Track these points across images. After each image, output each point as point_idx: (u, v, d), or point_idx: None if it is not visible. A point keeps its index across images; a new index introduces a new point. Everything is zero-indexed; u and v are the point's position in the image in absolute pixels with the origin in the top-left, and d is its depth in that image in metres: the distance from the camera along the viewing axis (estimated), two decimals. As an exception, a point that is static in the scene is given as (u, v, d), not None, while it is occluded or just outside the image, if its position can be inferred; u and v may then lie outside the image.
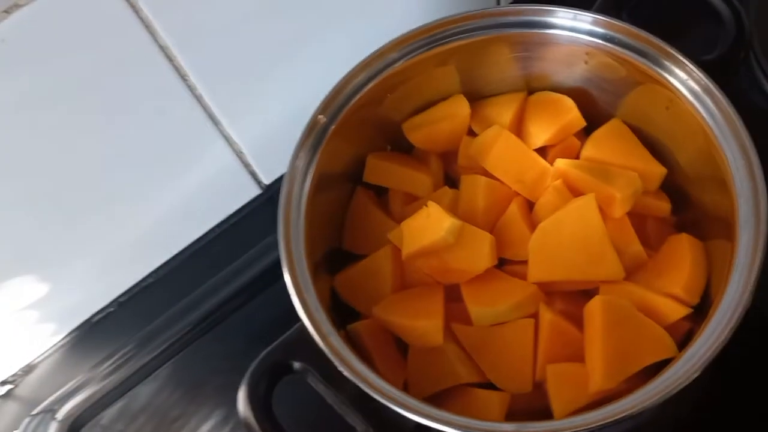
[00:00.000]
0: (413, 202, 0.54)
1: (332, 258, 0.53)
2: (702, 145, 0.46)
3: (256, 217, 0.65)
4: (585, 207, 0.47)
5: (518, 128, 0.54)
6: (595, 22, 0.48)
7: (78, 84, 0.48)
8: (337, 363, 0.41)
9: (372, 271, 0.50)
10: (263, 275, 0.61)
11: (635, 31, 0.47)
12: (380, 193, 0.56)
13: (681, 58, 0.45)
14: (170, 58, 0.51)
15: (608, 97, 0.53)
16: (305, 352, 0.42)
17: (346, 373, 0.40)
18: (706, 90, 0.45)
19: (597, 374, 0.43)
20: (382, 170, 0.54)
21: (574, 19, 0.48)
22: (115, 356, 0.61)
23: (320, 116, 0.48)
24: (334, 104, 0.49)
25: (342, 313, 0.51)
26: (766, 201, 0.41)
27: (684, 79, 0.46)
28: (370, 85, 0.50)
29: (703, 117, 0.45)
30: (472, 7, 0.50)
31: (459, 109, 0.54)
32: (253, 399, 0.41)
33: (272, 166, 0.64)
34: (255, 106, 0.60)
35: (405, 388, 0.49)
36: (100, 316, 0.64)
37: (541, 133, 0.53)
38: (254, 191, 0.65)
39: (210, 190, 0.62)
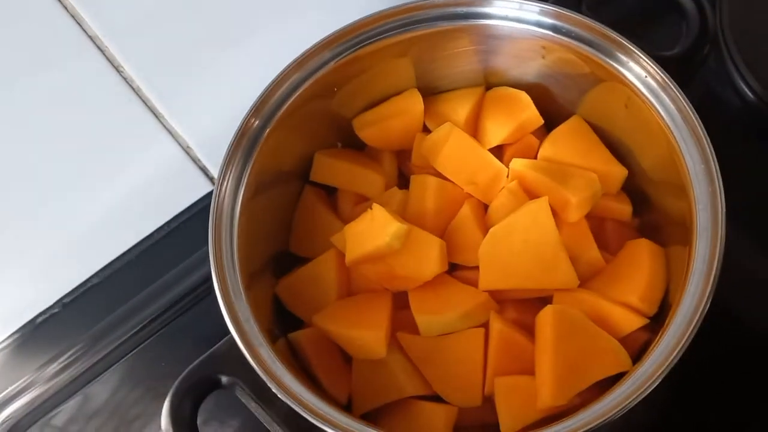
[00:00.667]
0: (364, 202, 0.51)
1: (280, 261, 0.51)
2: (663, 146, 0.44)
3: (208, 214, 0.62)
4: (538, 211, 0.44)
5: (474, 125, 0.52)
6: (545, 13, 0.45)
7: (6, 79, 0.46)
8: (264, 377, 0.38)
9: (315, 277, 0.48)
10: None
11: (589, 24, 0.44)
12: (331, 191, 0.53)
13: (638, 52, 0.43)
14: (101, 49, 0.48)
15: (568, 94, 0.51)
16: (234, 365, 0.40)
17: (273, 388, 0.38)
18: (663, 87, 0.42)
19: (546, 390, 0.41)
20: (330, 168, 0.51)
21: (520, 9, 0.45)
22: (60, 358, 0.59)
23: (252, 119, 0.45)
24: (269, 105, 0.46)
25: (286, 321, 0.48)
26: (724, 207, 0.38)
27: (641, 76, 0.43)
28: (322, 71, 0.47)
29: (661, 116, 0.43)
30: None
31: (412, 104, 0.51)
32: (176, 418, 0.38)
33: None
34: (202, 97, 0.57)
35: (349, 400, 0.46)
36: (43, 317, 0.61)
37: (497, 131, 0.50)
38: (206, 187, 0.62)
39: (157, 186, 0.59)
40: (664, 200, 0.47)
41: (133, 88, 0.52)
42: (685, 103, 0.41)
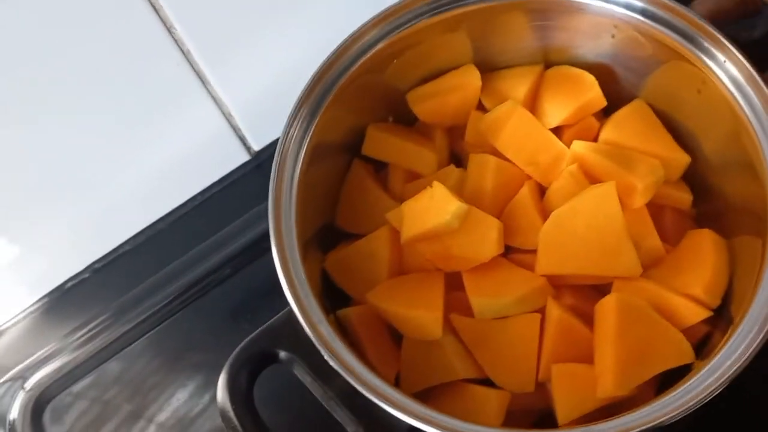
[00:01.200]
0: (414, 180, 0.50)
1: (325, 235, 0.49)
2: (731, 131, 0.42)
3: (244, 186, 0.61)
4: (604, 196, 0.43)
5: (532, 105, 0.50)
6: None
7: (57, 32, 0.44)
8: (325, 354, 0.37)
9: (367, 254, 0.46)
10: (250, 247, 0.58)
11: (673, 5, 0.42)
12: (380, 167, 0.52)
13: (722, 38, 0.41)
14: (155, 8, 0.46)
15: (633, 77, 0.49)
16: (292, 340, 0.39)
17: (334, 365, 0.37)
18: (748, 78, 0.41)
19: (607, 379, 0.40)
20: (382, 143, 0.50)
21: None
22: (88, 326, 0.59)
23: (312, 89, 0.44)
24: (336, 67, 0.44)
25: (332, 296, 0.47)
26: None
27: (722, 62, 0.41)
28: (378, 47, 0.46)
29: (741, 106, 0.41)
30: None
31: (469, 80, 0.50)
32: (233, 390, 0.37)
33: (263, 132, 0.60)
34: (248, 65, 0.55)
35: (397, 381, 0.45)
36: (73, 282, 0.61)
37: (557, 111, 0.49)
38: (243, 157, 0.61)
39: (195, 154, 0.58)
40: (728, 187, 0.46)
41: (183, 51, 0.50)
42: (762, 85, 0.40)
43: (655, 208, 0.48)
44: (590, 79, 0.48)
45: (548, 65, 0.51)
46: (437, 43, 0.49)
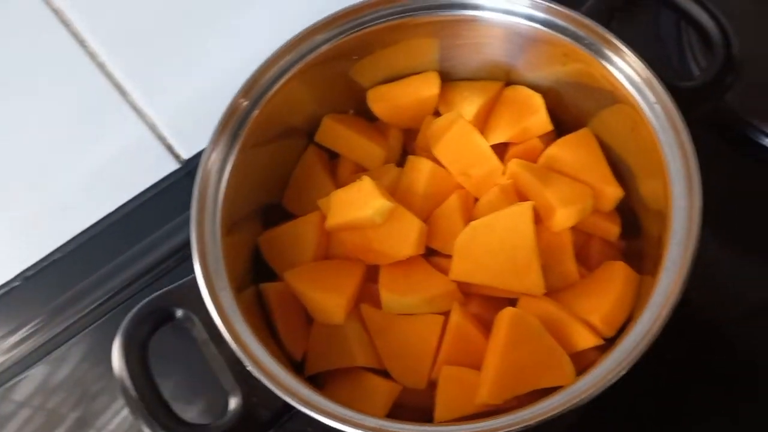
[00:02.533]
0: (362, 172, 0.52)
1: (275, 213, 0.52)
2: (659, 175, 0.43)
3: (174, 193, 0.62)
4: (520, 214, 0.44)
5: (485, 119, 0.52)
6: (537, 6, 0.45)
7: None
8: (215, 317, 0.40)
9: (296, 235, 0.49)
10: (180, 249, 0.59)
11: (583, 21, 0.45)
12: (334, 156, 0.54)
13: (654, 81, 0.42)
14: (66, 23, 0.48)
15: (584, 106, 0.50)
16: (193, 302, 0.41)
17: (222, 329, 0.39)
18: (670, 119, 0.42)
19: (485, 387, 0.41)
20: (335, 133, 0.52)
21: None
22: (20, 330, 0.60)
23: (241, 100, 0.45)
24: (259, 84, 0.46)
25: (266, 272, 0.49)
26: (694, 246, 0.38)
27: (658, 115, 0.43)
28: (301, 64, 0.48)
29: (662, 147, 0.42)
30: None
31: (428, 86, 0.52)
32: (128, 344, 0.40)
33: (193, 140, 0.61)
34: (171, 75, 0.57)
35: (304, 359, 0.47)
36: (4, 290, 0.62)
37: (503, 129, 0.50)
38: (172, 166, 0.63)
39: (121, 163, 0.60)
40: (652, 230, 0.47)
41: (97, 63, 0.52)
42: (689, 145, 0.41)
43: (583, 235, 0.49)
44: (539, 102, 0.50)
45: (508, 83, 0.53)
46: (407, 45, 0.51)
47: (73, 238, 0.63)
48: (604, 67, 0.45)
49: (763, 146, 0.55)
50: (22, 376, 0.59)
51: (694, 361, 0.50)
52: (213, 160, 0.44)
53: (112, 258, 0.62)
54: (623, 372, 0.37)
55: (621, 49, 0.44)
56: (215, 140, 0.45)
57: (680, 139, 0.41)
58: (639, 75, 0.43)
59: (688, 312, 0.41)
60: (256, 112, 0.46)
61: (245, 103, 0.46)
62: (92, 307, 0.60)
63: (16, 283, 0.62)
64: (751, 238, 0.55)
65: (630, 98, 0.44)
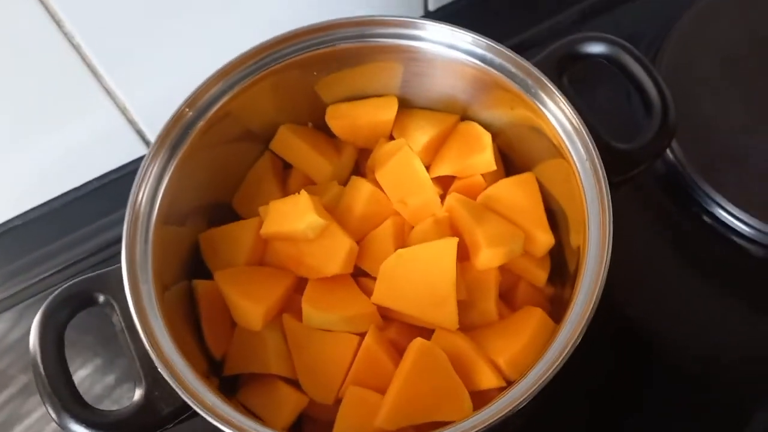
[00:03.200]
0: (311, 185, 0.53)
1: (224, 214, 0.53)
2: (583, 231, 0.45)
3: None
4: (444, 249, 0.46)
5: (435, 149, 0.53)
6: (477, 43, 0.47)
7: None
8: (131, 305, 0.41)
9: (234, 237, 0.50)
10: None
11: (518, 60, 0.46)
12: (290, 166, 0.56)
13: (590, 143, 0.43)
14: (43, 2, 0.49)
15: (530, 151, 0.51)
16: (115, 290, 0.43)
17: (135, 321, 0.41)
18: (596, 176, 0.43)
19: (383, 412, 0.43)
20: (289, 143, 0.53)
21: (452, 35, 0.48)
22: None
23: (186, 109, 0.47)
24: (207, 96, 0.48)
25: (204, 269, 0.51)
26: (589, 315, 0.39)
27: (587, 171, 0.44)
28: (246, 82, 0.49)
29: (586, 205, 0.43)
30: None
31: (385, 110, 0.53)
32: (45, 324, 0.42)
33: None
34: (147, 63, 0.58)
35: (224, 359, 0.49)
36: None
37: (450, 162, 0.52)
38: (141, 150, 0.65)
39: (89, 143, 0.62)
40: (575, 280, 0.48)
41: (73, 45, 0.53)
42: (605, 196, 0.42)
43: (512, 276, 0.50)
44: (487, 140, 0.51)
45: (465, 118, 0.54)
46: (372, 67, 0.52)
47: (35, 208, 0.65)
48: (544, 115, 0.46)
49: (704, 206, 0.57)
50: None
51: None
52: (164, 147, 0.46)
53: (70, 231, 0.64)
54: (510, 413, 0.38)
55: (557, 97, 0.45)
56: (168, 127, 0.46)
57: (602, 197, 0.43)
58: (573, 126, 0.45)
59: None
60: (212, 111, 0.48)
61: (201, 101, 0.47)
62: (46, 275, 0.62)
63: (-25, 244, 0.64)
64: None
65: (565, 151, 0.45)
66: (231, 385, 0.49)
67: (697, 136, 0.59)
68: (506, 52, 0.46)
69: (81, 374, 0.56)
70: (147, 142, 0.66)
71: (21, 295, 0.62)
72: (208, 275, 0.50)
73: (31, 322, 0.58)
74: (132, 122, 0.63)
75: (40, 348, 0.41)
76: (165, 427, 0.41)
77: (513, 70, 0.47)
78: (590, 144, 0.43)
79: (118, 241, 0.59)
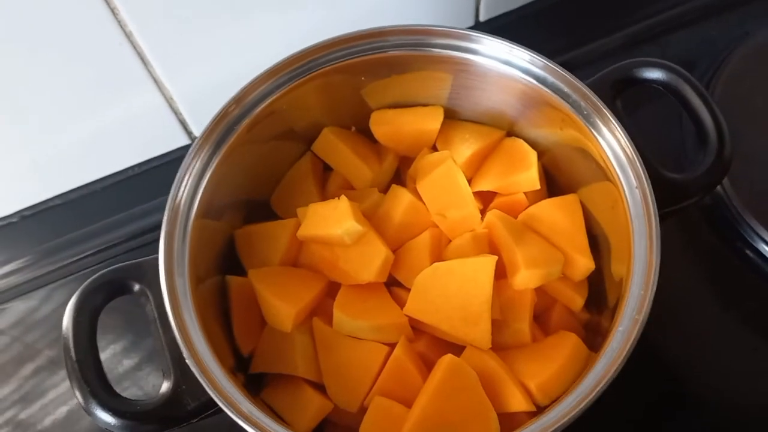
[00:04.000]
0: (350, 189, 0.53)
1: (261, 211, 0.53)
2: (627, 260, 0.44)
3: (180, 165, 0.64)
4: (482, 266, 0.45)
5: (479, 164, 0.52)
6: (534, 63, 0.46)
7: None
8: (165, 300, 0.41)
9: (270, 236, 0.50)
10: None
11: (576, 84, 0.45)
12: (330, 168, 0.55)
13: (641, 171, 0.43)
14: None
15: (576, 173, 0.51)
16: (151, 280, 0.43)
17: (168, 313, 0.41)
18: (645, 206, 0.42)
19: (407, 426, 0.42)
20: (331, 146, 0.53)
21: (510, 53, 0.47)
22: (9, 264, 0.63)
23: (233, 106, 0.47)
24: (253, 96, 0.48)
25: (237, 264, 0.51)
26: (629, 348, 0.39)
27: (636, 200, 0.43)
28: (345, 61, 0.49)
29: (633, 235, 0.42)
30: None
31: (431, 120, 0.53)
32: (80, 306, 0.42)
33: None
34: (196, 56, 0.59)
35: (251, 355, 0.49)
36: (1, 223, 0.65)
37: (493, 177, 0.51)
38: (183, 140, 0.65)
39: (134, 129, 0.62)
40: (613, 309, 0.47)
41: (125, 33, 0.54)
42: (654, 228, 0.41)
43: (548, 298, 0.50)
44: (532, 159, 0.50)
45: (511, 134, 0.53)
46: (421, 76, 0.52)
47: (75, 189, 0.66)
48: (595, 139, 0.45)
49: (749, 241, 0.56)
50: (6, 306, 0.62)
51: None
52: (210, 140, 0.46)
53: (108, 215, 0.64)
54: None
55: (611, 123, 0.44)
56: (216, 120, 0.46)
57: (650, 229, 0.42)
58: (625, 153, 0.44)
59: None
60: (260, 108, 0.48)
61: (250, 97, 0.47)
62: (80, 256, 0.63)
63: (14, 220, 0.65)
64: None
65: (614, 176, 0.44)
66: (256, 383, 0.48)
67: (746, 171, 0.57)
68: (562, 72, 0.45)
69: (105, 355, 0.56)
70: (189, 132, 0.66)
71: (54, 275, 0.63)
72: (241, 271, 0.50)
73: (61, 301, 0.61)
74: (176, 112, 0.63)
75: (73, 331, 0.41)
76: (189, 421, 0.41)
77: (567, 90, 0.46)
78: (642, 173, 0.42)
79: (153, 228, 0.62)
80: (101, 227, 0.64)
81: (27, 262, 0.63)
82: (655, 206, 0.42)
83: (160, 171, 0.66)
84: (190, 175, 0.45)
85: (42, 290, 0.62)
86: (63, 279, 0.62)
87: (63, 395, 0.58)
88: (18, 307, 0.61)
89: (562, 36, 0.69)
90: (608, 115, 0.44)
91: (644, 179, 0.42)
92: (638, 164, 0.43)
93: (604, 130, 0.45)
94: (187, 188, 0.45)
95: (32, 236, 0.64)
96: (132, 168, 0.67)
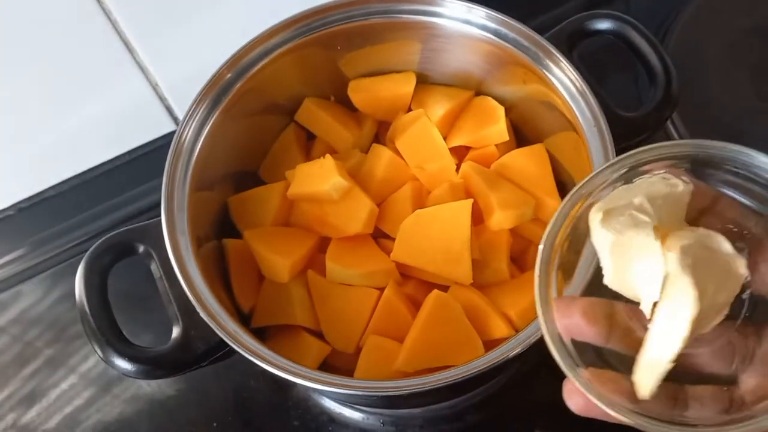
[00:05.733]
0: (333, 154, 0.57)
1: (250, 180, 0.57)
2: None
3: (167, 152, 0.65)
4: (460, 209, 0.49)
5: (451, 122, 0.56)
6: (491, 18, 0.50)
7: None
8: (170, 256, 0.44)
9: (262, 199, 0.53)
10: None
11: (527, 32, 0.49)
12: (313, 137, 0.59)
13: (591, 99, 0.46)
14: None
15: (542, 124, 0.55)
16: (155, 241, 0.46)
17: (174, 266, 0.44)
18: (602, 140, 0.46)
19: (401, 356, 0.46)
20: (313, 115, 0.57)
21: (468, 12, 0.51)
22: (9, 254, 0.65)
23: (226, 71, 0.50)
24: (245, 60, 0.51)
25: (231, 229, 0.54)
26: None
27: (594, 136, 0.47)
28: (310, 35, 0.53)
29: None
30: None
31: (404, 85, 0.56)
32: (89, 274, 0.45)
33: None
34: (179, 42, 0.61)
35: (251, 313, 0.52)
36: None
37: (465, 133, 0.55)
38: (169, 126, 0.68)
39: (121, 117, 0.65)
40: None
41: (111, 21, 0.56)
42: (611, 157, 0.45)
43: (523, 241, 0.54)
44: (500, 113, 0.54)
45: (479, 94, 0.57)
46: (390, 46, 0.56)
47: (67, 180, 0.68)
48: (554, 86, 0.49)
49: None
50: (4, 298, 0.64)
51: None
52: (194, 120, 0.49)
53: (99, 202, 0.67)
54: (520, 351, 0.41)
55: (562, 63, 0.48)
56: (197, 101, 0.49)
57: (608, 160, 0.45)
58: (576, 88, 0.47)
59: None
60: (239, 84, 0.51)
61: (229, 75, 0.51)
62: (75, 243, 0.66)
63: (10, 213, 0.68)
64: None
65: (574, 120, 0.48)
66: (259, 337, 0.51)
67: (702, 117, 0.61)
68: (518, 26, 0.49)
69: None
70: (175, 118, 0.69)
71: (52, 261, 0.65)
72: (236, 235, 0.54)
73: (59, 294, 0.63)
74: (162, 98, 0.66)
75: (86, 291, 0.44)
76: (200, 364, 0.44)
77: (525, 43, 0.50)
78: (596, 107, 0.46)
79: (148, 209, 0.65)
80: (96, 213, 0.67)
81: (24, 251, 0.66)
82: (611, 138, 0.46)
83: (148, 158, 0.68)
84: (183, 145, 0.49)
85: (40, 282, 0.64)
86: (61, 264, 0.65)
87: (66, 393, 0.59)
88: (16, 302, 0.63)
89: (531, 3, 0.72)
90: (560, 57, 0.48)
91: (598, 113, 0.46)
92: (591, 98, 0.46)
93: (558, 72, 0.49)
94: (180, 165, 0.48)
95: (29, 227, 0.67)
96: (120, 157, 0.69)
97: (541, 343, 0.41)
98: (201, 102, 0.50)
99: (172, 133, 0.67)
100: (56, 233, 0.66)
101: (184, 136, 0.49)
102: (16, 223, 0.68)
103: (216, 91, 0.50)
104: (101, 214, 0.67)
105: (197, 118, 0.49)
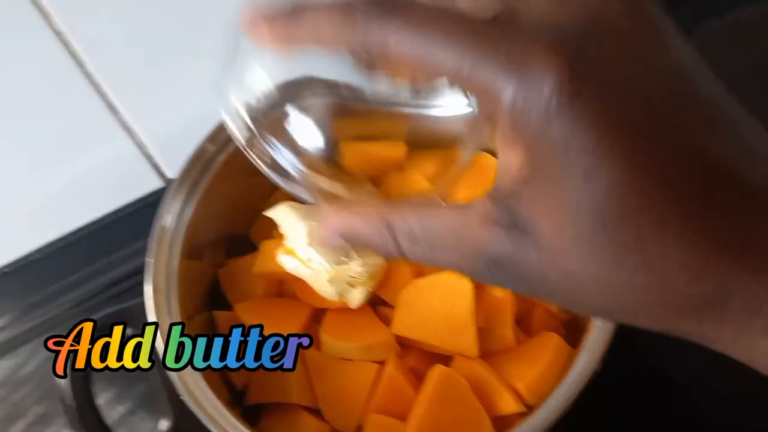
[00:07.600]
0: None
1: (241, 244, 0.54)
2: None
3: (155, 208, 0.63)
4: (461, 277, 0.47)
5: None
6: None
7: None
8: (158, 345, 0.42)
9: (250, 270, 0.51)
10: None
11: None
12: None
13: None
14: (65, 44, 0.52)
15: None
16: (141, 324, 0.44)
17: (161, 356, 0.42)
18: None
19: (406, 437, 0.43)
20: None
21: None
22: None
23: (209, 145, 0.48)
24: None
25: (223, 300, 0.52)
26: (608, 340, 0.40)
27: None
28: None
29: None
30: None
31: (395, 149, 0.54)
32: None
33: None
34: (163, 98, 0.61)
35: (245, 389, 0.50)
36: None
37: (460, 189, 0.53)
38: (157, 183, 0.67)
39: (107, 176, 0.64)
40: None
41: (92, 83, 0.56)
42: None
43: (527, 302, 0.51)
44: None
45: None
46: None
47: (53, 242, 0.66)
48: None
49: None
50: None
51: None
52: (180, 190, 0.47)
53: (88, 264, 0.65)
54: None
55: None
56: (183, 174, 0.47)
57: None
58: None
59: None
60: (222, 156, 0.50)
61: (212, 148, 0.49)
62: (64, 308, 0.63)
63: (-5, 276, 0.65)
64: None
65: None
66: (253, 414, 0.49)
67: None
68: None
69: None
70: (162, 175, 0.67)
71: (37, 330, 0.63)
72: (228, 306, 0.51)
73: (46, 355, 0.61)
74: (148, 156, 0.64)
75: (70, 380, 0.42)
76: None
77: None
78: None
79: (137, 272, 0.61)
80: (82, 276, 0.64)
81: (11, 319, 0.63)
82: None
83: (137, 216, 0.67)
84: (172, 216, 0.47)
85: (27, 346, 0.62)
86: (47, 332, 0.62)
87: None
88: (3, 366, 0.61)
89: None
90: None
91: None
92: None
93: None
94: (167, 228, 0.46)
95: (14, 292, 0.64)
96: (108, 216, 0.67)
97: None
98: (183, 182, 0.49)
99: (160, 190, 0.67)
100: (42, 299, 0.64)
101: (175, 198, 0.48)
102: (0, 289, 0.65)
103: (212, 150, 0.49)
104: (89, 277, 0.65)
105: (180, 199, 0.48)
